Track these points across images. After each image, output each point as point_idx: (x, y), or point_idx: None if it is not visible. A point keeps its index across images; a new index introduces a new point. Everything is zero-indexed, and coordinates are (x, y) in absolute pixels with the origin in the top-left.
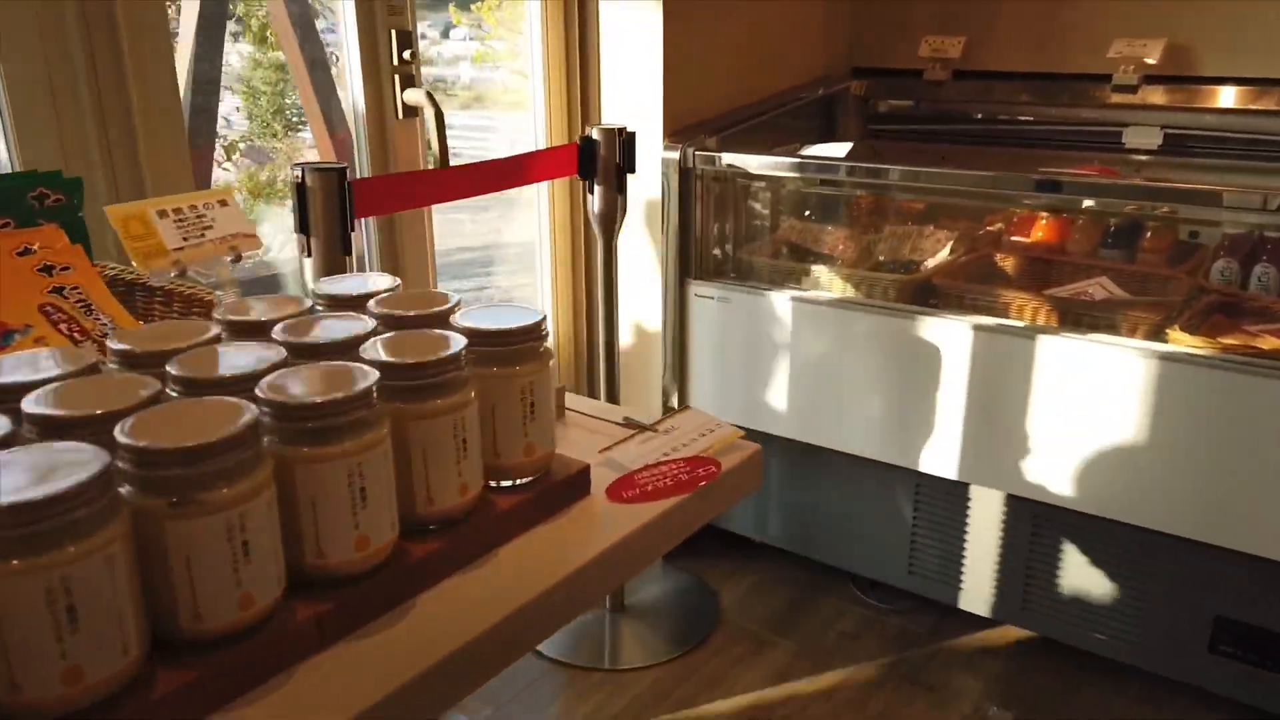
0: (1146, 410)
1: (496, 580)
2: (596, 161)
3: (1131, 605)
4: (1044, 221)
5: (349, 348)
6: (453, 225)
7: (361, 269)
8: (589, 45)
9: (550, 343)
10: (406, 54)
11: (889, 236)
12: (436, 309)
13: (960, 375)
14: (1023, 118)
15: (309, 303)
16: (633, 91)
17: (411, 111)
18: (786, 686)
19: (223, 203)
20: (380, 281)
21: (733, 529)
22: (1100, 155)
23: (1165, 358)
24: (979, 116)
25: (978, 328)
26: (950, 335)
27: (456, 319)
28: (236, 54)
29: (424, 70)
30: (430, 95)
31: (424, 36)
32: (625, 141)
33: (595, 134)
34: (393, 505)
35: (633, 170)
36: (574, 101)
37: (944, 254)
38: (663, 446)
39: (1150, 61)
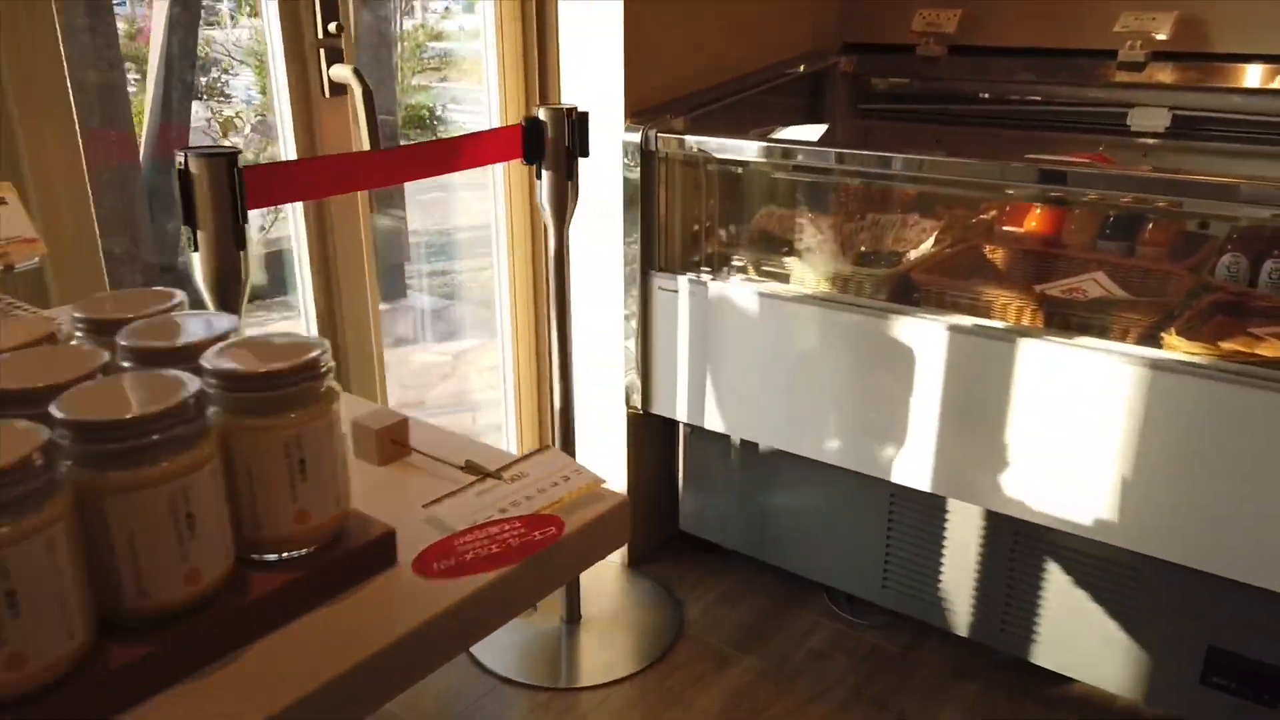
0: (1136, 424)
1: (231, 690)
2: (544, 144)
3: (1118, 632)
4: (1037, 211)
5: (45, 398)
6: (460, 203)
7: (279, 262)
8: (547, 15)
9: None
10: (332, 26)
11: (871, 226)
12: (191, 340)
13: (935, 380)
14: (1022, 97)
15: (65, 326)
16: (593, 67)
17: (340, 89)
18: (746, 709)
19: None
20: (159, 303)
21: (702, 534)
22: (1104, 138)
23: (1158, 366)
24: (976, 96)
25: (954, 329)
26: (924, 336)
27: (210, 355)
28: (251, 29)
29: (435, 45)
30: (357, 72)
31: (447, 9)
32: (576, 122)
33: (542, 114)
34: (70, 606)
35: (585, 154)
36: (531, 77)
37: (928, 245)
38: (503, 499)
39: (1160, 37)
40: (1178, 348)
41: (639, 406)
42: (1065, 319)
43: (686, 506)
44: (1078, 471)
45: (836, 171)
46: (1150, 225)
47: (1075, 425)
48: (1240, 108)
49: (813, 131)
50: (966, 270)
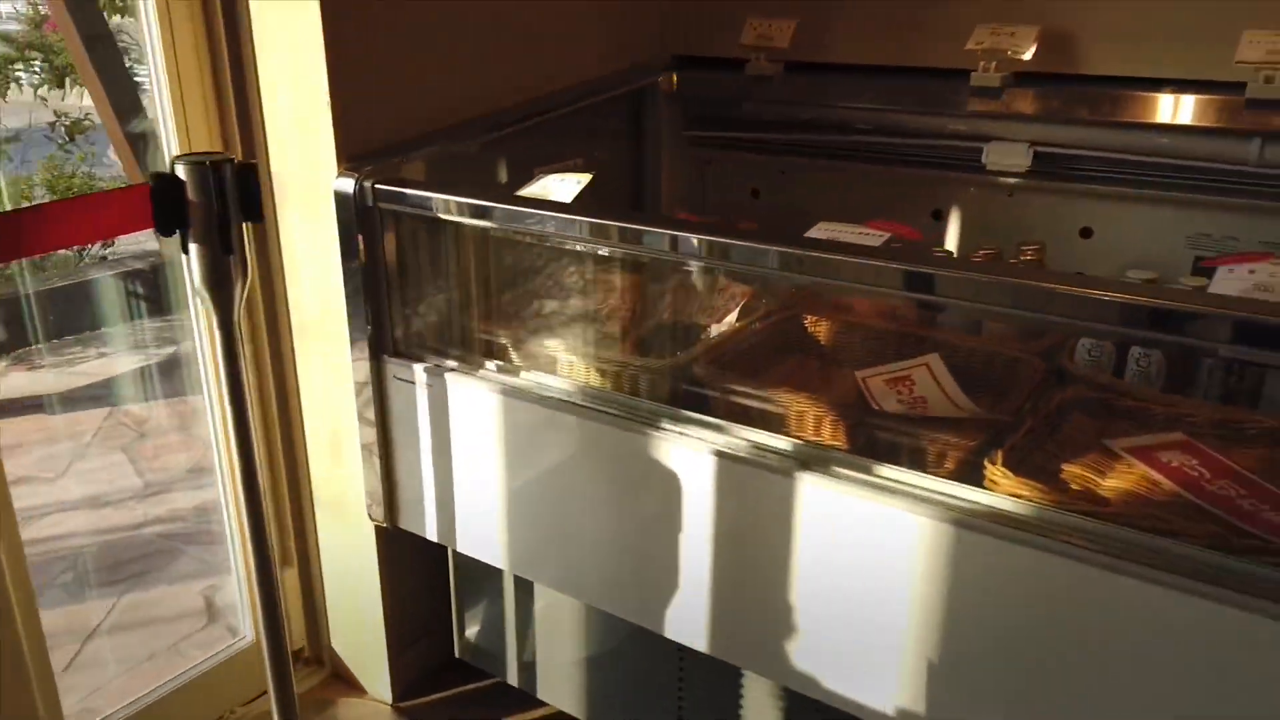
0: (940, 595)
1: None
2: (185, 209)
3: None
4: None
5: None
6: None
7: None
8: (239, 18)
9: None
10: None
11: (669, 294)
12: None
13: (705, 515)
14: (866, 124)
15: None
16: (300, 92)
17: None
18: None
19: None
20: None
21: (481, 666)
22: (957, 175)
23: (964, 523)
24: (815, 122)
25: (721, 454)
26: (686, 459)
27: None
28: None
29: None
30: None
31: None
32: (236, 176)
33: (180, 169)
34: None
35: (254, 217)
36: (226, 108)
37: (731, 319)
38: None
39: (1023, 57)
40: (1000, 484)
41: (382, 520)
42: (872, 434)
43: (461, 633)
44: (876, 648)
45: (585, 243)
46: None
47: (869, 587)
48: (1114, 144)
49: (568, 187)
50: (770, 353)
